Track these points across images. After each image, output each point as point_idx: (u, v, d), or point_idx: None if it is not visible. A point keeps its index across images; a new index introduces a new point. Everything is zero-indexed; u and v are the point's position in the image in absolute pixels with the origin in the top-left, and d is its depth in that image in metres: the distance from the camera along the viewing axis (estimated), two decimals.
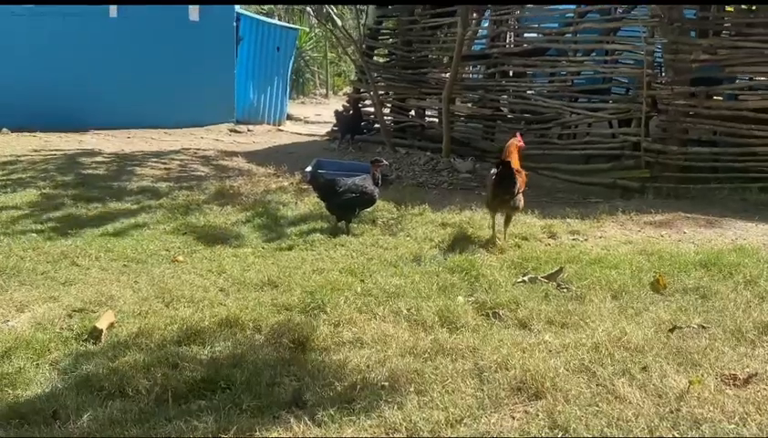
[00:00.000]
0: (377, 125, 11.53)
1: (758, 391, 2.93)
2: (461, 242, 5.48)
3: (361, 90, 12.21)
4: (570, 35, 9.70)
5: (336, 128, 11.81)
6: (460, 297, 4.21)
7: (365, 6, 11.93)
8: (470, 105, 10.97)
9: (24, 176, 8.17)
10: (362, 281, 4.55)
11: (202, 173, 8.73)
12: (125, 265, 5.07)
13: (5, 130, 11.47)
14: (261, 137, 13.19)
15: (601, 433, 2.65)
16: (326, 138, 12.25)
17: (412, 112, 11.74)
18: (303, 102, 20.87)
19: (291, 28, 16.56)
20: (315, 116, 17.09)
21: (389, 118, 11.73)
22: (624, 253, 5.17)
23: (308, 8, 18.63)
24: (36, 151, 9.96)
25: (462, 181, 8.50)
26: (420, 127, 11.46)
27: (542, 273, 4.60)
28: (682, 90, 7.83)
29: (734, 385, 3.00)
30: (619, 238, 5.75)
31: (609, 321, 3.73)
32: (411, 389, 3.01)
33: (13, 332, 3.63)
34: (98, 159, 9.52)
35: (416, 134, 11.25)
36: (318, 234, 5.81)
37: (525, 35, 10.63)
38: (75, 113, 12.02)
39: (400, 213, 6.54)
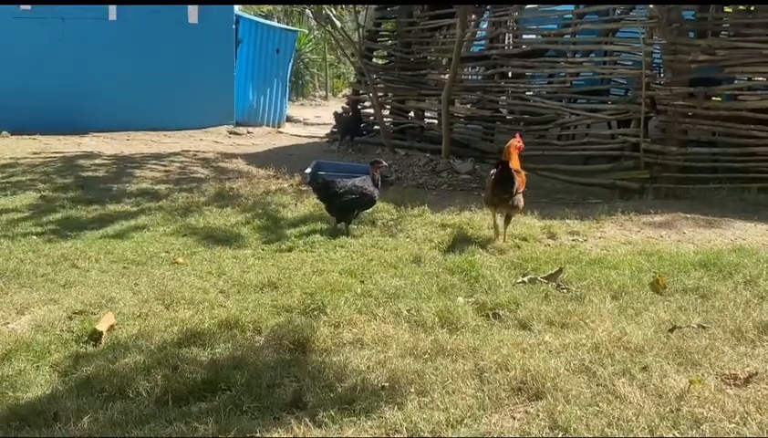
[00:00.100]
0: (376, 127, 11.54)
1: (758, 391, 2.93)
2: (460, 243, 5.48)
3: (360, 92, 12.22)
4: (569, 36, 9.71)
5: (335, 129, 11.82)
6: (460, 298, 4.21)
7: (364, 8, 11.94)
8: (469, 106, 10.98)
9: (23, 179, 8.17)
10: (362, 282, 4.55)
11: (202, 175, 8.74)
12: (125, 267, 5.07)
13: (4, 132, 11.48)
14: (260, 139, 13.20)
15: (602, 433, 2.65)
16: (326, 139, 12.26)
17: (411, 114, 11.75)
18: (302, 104, 20.88)
19: (290, 30, 16.57)
20: (314, 118, 17.10)
21: (389, 119, 11.75)
22: (623, 253, 5.18)
23: (307, 10, 18.65)
24: (35, 153, 9.97)
25: (462, 182, 8.50)
26: (419, 128, 11.48)
27: (541, 273, 4.60)
28: (681, 91, 7.84)
29: (734, 385, 3.00)
30: (619, 239, 5.75)
31: (609, 321, 3.73)
32: (412, 389, 3.01)
33: (13, 334, 3.63)
34: (98, 161, 9.53)
35: (415, 135, 11.27)
36: (318, 236, 5.80)
37: (524, 36, 10.65)
38: (74, 116, 12.05)
39: (400, 214, 6.55)
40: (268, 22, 16.88)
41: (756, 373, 3.07)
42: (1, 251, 5.30)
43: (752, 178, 7.45)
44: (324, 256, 5.25)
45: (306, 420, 2.79)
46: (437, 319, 3.81)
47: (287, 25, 19.85)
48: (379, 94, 11.41)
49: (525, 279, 4.52)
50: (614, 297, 4.18)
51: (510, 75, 10.33)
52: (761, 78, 8.00)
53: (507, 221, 5.59)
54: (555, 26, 10.19)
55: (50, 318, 3.89)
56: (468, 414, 2.81)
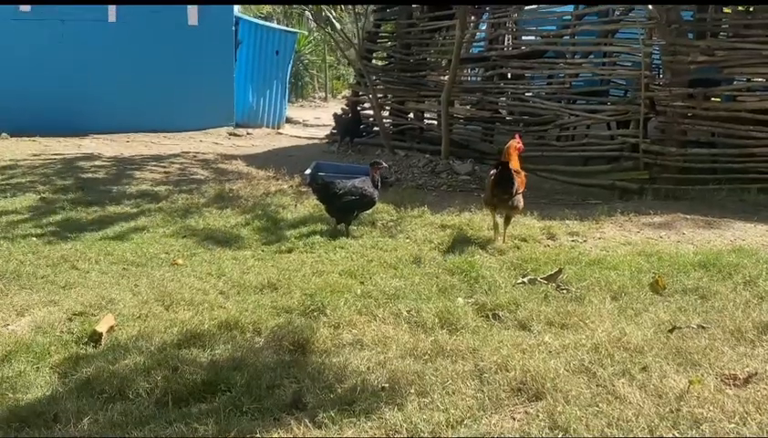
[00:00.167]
0: (376, 128, 11.55)
1: (758, 391, 2.93)
2: (460, 243, 5.48)
3: (360, 93, 12.23)
4: (568, 37, 9.72)
5: (335, 131, 11.83)
6: (459, 299, 4.21)
7: (364, 10, 11.95)
8: (468, 107, 10.98)
9: (23, 181, 8.18)
10: (362, 283, 4.55)
11: (202, 177, 8.74)
12: (125, 268, 5.08)
13: (4, 134, 11.49)
14: (260, 140, 13.21)
15: (601, 434, 2.65)
16: (326, 141, 12.27)
17: (411, 115, 11.76)
18: (302, 105, 20.88)
19: (290, 32, 16.58)
20: (314, 119, 17.10)
21: (388, 120, 11.75)
22: (623, 254, 5.18)
23: (307, 12, 18.65)
24: (35, 155, 9.98)
25: (462, 183, 8.51)
26: (419, 129, 11.49)
27: (541, 274, 4.60)
28: (680, 92, 7.85)
29: (734, 385, 3.00)
30: (618, 239, 5.75)
31: (609, 322, 3.73)
32: (412, 390, 3.01)
33: (13, 336, 3.63)
34: (98, 163, 9.54)
35: (415, 137, 11.28)
36: (318, 237, 5.81)
37: (523, 37, 10.66)
38: (74, 117, 12.06)
39: (400, 215, 6.55)
40: (268, 24, 16.90)
41: (756, 373, 3.07)
42: (1, 253, 5.31)
43: (751, 179, 7.45)
44: (324, 257, 5.25)
45: (306, 421, 2.79)
46: (437, 320, 3.81)
47: (287, 26, 19.86)
48: (379, 95, 11.42)
49: (525, 280, 4.52)
50: (613, 298, 4.18)
51: (509, 76, 10.34)
52: (760, 79, 8.00)
53: (507, 221, 5.59)
54: (555, 28, 10.19)
55: (50, 319, 3.89)
56: (468, 415, 2.81)
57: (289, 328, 3.65)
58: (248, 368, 3.24)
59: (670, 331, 3.56)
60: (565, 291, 4.33)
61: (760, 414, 2.75)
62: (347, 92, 17.16)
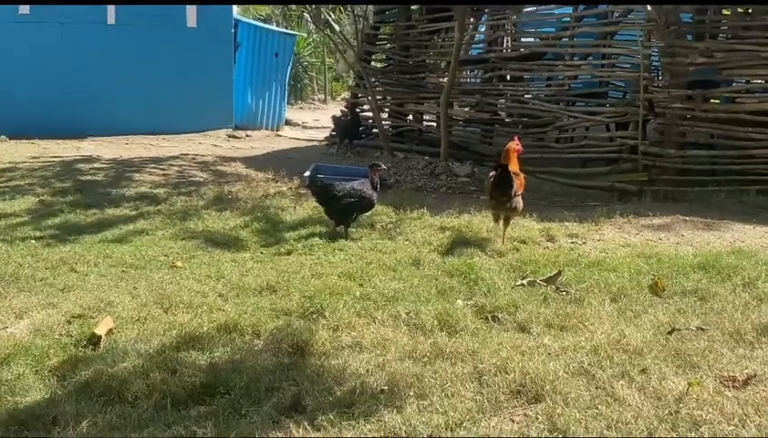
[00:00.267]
0: (375, 130, 11.55)
1: (757, 393, 2.93)
2: (459, 245, 5.48)
3: (359, 95, 12.24)
4: (567, 39, 9.73)
5: (334, 133, 11.84)
6: (459, 301, 4.21)
7: (363, 11, 11.97)
8: (468, 109, 11.00)
9: (22, 183, 8.17)
10: (361, 285, 4.55)
11: (201, 179, 8.74)
12: (123, 271, 5.07)
13: (3, 136, 11.48)
14: (259, 142, 13.21)
15: (601, 436, 2.65)
16: (325, 143, 12.28)
17: (410, 117, 11.77)
18: (301, 107, 20.90)
19: (289, 34, 16.60)
20: (313, 121, 17.11)
21: (387, 122, 11.76)
22: (622, 256, 5.18)
23: (306, 14, 18.66)
24: (34, 157, 9.97)
25: (461, 185, 8.51)
26: (418, 131, 11.50)
27: (540, 276, 4.60)
28: (679, 93, 7.86)
29: (733, 387, 2.99)
30: (618, 241, 5.75)
31: (608, 324, 3.73)
32: (411, 393, 3.00)
33: (12, 339, 3.62)
34: (97, 165, 9.53)
35: (414, 139, 11.29)
36: (317, 239, 5.80)
37: (522, 39, 10.69)
38: (73, 120, 12.06)
39: (399, 217, 6.55)
40: (267, 26, 16.93)
41: (755, 375, 3.07)
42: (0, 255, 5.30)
43: (750, 180, 7.46)
44: (323, 260, 5.25)
45: (305, 423, 2.78)
46: (436, 322, 3.81)
47: (286, 28, 19.88)
48: (378, 97, 11.43)
49: (524, 282, 4.52)
50: (613, 300, 4.18)
51: (508, 78, 10.35)
52: (759, 81, 8.02)
53: (506, 223, 5.59)
54: (554, 29, 10.21)
55: (49, 322, 3.88)
56: (467, 417, 2.80)
57: (288, 331, 3.64)
58: (247, 370, 3.24)
59: (670, 333, 3.56)
60: (564, 293, 4.33)
61: (759, 416, 2.75)
62: (346, 94, 17.19)
